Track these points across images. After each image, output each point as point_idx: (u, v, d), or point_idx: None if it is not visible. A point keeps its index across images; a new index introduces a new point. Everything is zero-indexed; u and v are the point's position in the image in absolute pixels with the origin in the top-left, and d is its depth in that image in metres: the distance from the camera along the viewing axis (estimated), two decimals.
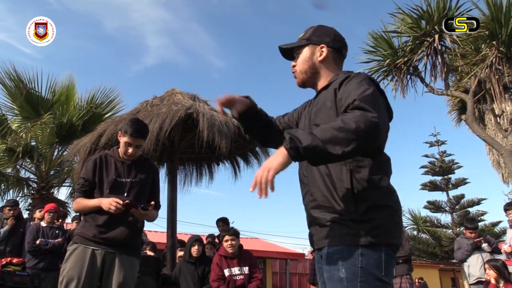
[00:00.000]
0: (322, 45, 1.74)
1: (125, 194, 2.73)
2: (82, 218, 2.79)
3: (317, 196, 1.56)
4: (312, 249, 1.78)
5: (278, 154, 1.35)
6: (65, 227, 6.48)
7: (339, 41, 1.79)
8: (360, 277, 1.41)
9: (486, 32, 6.92)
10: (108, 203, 2.55)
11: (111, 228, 2.65)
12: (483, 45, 7.28)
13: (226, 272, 4.82)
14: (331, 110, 1.54)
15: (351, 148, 1.30)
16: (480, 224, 22.58)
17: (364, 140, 1.31)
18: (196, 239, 5.42)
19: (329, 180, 1.53)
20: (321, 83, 1.73)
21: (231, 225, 7.15)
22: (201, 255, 5.40)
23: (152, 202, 2.67)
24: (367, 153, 1.48)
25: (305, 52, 1.76)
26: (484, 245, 6.03)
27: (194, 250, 5.31)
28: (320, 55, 1.74)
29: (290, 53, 1.82)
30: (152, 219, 2.87)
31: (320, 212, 1.55)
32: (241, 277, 4.86)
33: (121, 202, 2.55)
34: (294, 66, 1.80)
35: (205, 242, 6.22)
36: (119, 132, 2.88)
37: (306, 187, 1.65)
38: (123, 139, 2.79)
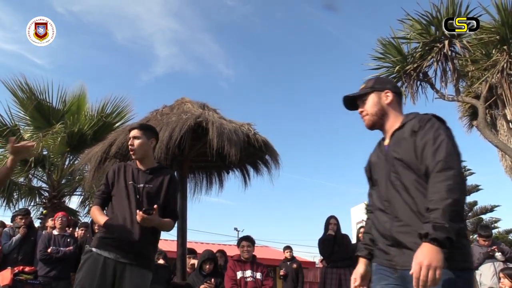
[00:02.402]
0: (386, 90, 2.02)
1: (141, 200, 2.77)
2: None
3: (404, 222, 1.74)
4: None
5: (432, 252, 1.49)
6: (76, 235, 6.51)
7: (398, 87, 2.10)
8: None
9: (497, 37, 6.87)
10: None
11: (127, 235, 2.66)
12: (493, 50, 7.22)
13: (239, 274, 4.91)
14: (410, 144, 1.80)
15: (462, 207, 1.62)
16: (494, 231, 22.16)
17: (465, 198, 1.64)
18: (209, 258, 5.41)
19: (415, 207, 1.72)
20: (389, 124, 1.99)
21: (241, 234, 7.17)
22: (213, 270, 5.42)
23: (155, 206, 2.62)
24: None
25: (372, 97, 2.03)
26: (498, 254, 5.92)
27: (206, 268, 5.35)
28: (387, 99, 2.00)
29: (353, 101, 2.11)
30: (164, 227, 2.85)
31: (407, 236, 1.71)
32: (253, 279, 4.92)
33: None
34: (362, 111, 2.06)
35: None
36: None
37: (388, 215, 1.82)
38: None
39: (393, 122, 1.97)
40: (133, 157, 2.90)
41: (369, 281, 1.99)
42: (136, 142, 2.87)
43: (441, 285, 1.55)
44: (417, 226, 1.65)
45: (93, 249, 2.66)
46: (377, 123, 2.02)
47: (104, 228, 2.71)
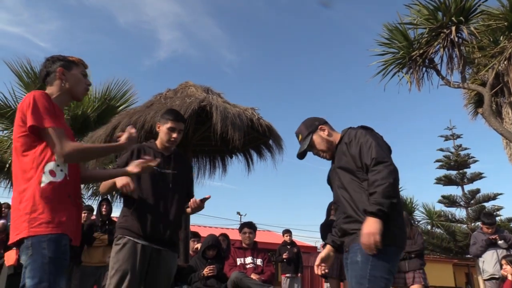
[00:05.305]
0: (319, 127, 2.48)
1: (170, 185, 2.78)
2: (124, 210, 2.80)
3: (347, 215, 2.22)
4: (323, 243, 2.47)
5: (371, 223, 2.01)
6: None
7: (321, 118, 2.55)
8: (371, 262, 2.04)
9: (505, 24, 6.77)
10: (122, 184, 2.49)
11: (157, 225, 2.68)
12: (501, 37, 7.13)
13: (238, 261, 4.93)
14: (346, 153, 2.29)
15: (397, 191, 2.11)
16: (496, 219, 22.14)
17: (397, 181, 2.10)
18: (212, 244, 5.20)
19: (353, 203, 2.20)
20: (337, 143, 2.44)
21: (244, 218, 7.22)
22: (216, 256, 5.31)
23: (208, 195, 2.77)
24: None
25: (315, 139, 2.47)
26: (500, 242, 5.94)
27: (209, 253, 5.23)
28: (324, 132, 2.47)
29: (305, 152, 2.50)
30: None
31: (348, 224, 2.21)
32: (253, 265, 4.95)
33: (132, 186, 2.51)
34: (317, 152, 2.50)
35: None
36: (158, 123, 2.95)
37: (338, 213, 2.36)
38: (165, 126, 2.87)
39: (336, 141, 2.45)
40: (168, 145, 2.88)
41: (331, 264, 2.56)
42: (180, 136, 2.90)
43: (358, 251, 2.07)
44: (357, 215, 2.15)
45: (128, 237, 2.65)
46: (333, 152, 2.45)
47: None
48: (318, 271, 2.48)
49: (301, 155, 2.52)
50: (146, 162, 2.42)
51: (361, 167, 2.21)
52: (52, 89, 2.13)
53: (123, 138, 2.14)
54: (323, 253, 2.48)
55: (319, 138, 2.45)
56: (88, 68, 2.30)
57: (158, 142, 2.93)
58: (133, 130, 2.24)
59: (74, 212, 2.03)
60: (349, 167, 2.26)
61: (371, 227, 2.00)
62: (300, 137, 2.51)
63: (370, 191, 2.08)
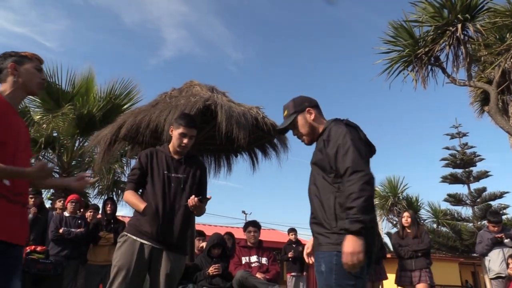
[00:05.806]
0: (307, 109, 2.32)
1: (177, 189, 2.81)
2: (135, 212, 2.85)
3: (314, 215, 2.16)
4: None
5: (352, 242, 1.88)
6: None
7: (313, 100, 2.39)
8: (335, 271, 1.98)
9: (511, 21, 6.72)
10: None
11: (163, 226, 2.71)
12: (507, 35, 7.08)
13: (244, 259, 4.91)
14: (323, 150, 2.16)
15: (372, 201, 1.98)
16: (503, 217, 21.98)
17: (373, 191, 2.01)
18: (217, 243, 5.16)
19: (321, 205, 2.11)
20: (319, 133, 2.31)
21: (249, 217, 7.19)
22: (221, 254, 5.27)
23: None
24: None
25: (299, 120, 2.33)
26: (507, 241, 5.90)
27: (214, 252, 5.19)
28: (311, 115, 2.32)
29: (286, 130, 2.43)
30: (202, 213, 2.93)
31: (314, 226, 2.15)
32: (258, 264, 4.94)
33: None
34: (297, 134, 2.37)
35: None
36: (171, 127, 2.97)
37: (310, 206, 2.25)
38: (177, 131, 2.88)
39: (320, 131, 2.30)
40: (179, 150, 2.90)
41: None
42: (191, 142, 2.91)
43: (322, 260, 2.03)
44: (322, 217, 2.08)
45: (129, 235, 2.71)
46: (313, 139, 2.33)
47: (144, 214, 2.71)
48: (308, 260, 2.38)
49: (281, 131, 2.47)
50: (84, 181, 2.33)
51: (335, 170, 2.08)
52: (5, 86, 2.10)
53: (36, 165, 1.97)
54: (312, 241, 2.33)
55: (303, 120, 2.32)
56: (44, 63, 2.27)
57: (170, 146, 2.96)
58: (46, 166, 2.03)
59: (14, 210, 1.95)
60: (323, 165, 2.14)
61: (353, 246, 1.88)
62: (286, 112, 2.39)
63: (347, 205, 1.93)
